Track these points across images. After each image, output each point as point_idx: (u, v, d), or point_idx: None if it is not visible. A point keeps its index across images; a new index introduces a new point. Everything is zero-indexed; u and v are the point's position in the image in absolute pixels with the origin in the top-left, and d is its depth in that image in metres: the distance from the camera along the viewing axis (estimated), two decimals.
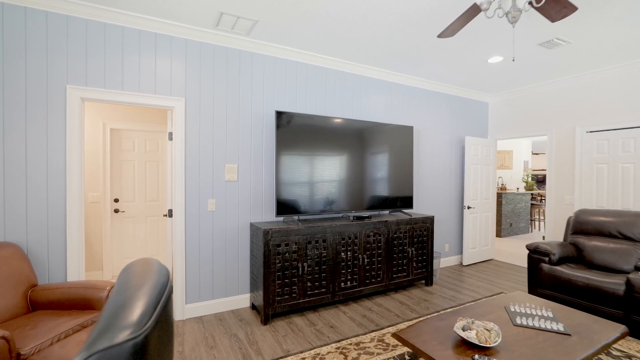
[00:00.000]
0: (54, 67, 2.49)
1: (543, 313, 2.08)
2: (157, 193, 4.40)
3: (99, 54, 2.63)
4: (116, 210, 4.11)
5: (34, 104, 2.44)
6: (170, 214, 3.02)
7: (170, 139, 3.03)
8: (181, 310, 2.95)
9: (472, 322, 1.77)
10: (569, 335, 1.82)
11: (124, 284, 0.58)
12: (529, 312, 2.10)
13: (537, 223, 8.46)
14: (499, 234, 6.97)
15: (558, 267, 3.02)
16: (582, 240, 3.31)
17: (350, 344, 2.50)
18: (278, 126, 3.12)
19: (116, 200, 4.13)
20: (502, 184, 7.54)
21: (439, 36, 2.26)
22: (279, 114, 3.12)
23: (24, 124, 2.42)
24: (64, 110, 2.53)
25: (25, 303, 2.21)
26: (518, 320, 1.98)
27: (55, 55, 2.50)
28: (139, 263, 0.70)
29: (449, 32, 2.21)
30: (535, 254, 3.21)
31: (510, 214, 7.08)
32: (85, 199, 3.90)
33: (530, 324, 1.93)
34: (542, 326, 1.90)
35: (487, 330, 1.71)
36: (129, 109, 4.15)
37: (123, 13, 2.64)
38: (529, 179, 7.63)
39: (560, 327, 1.89)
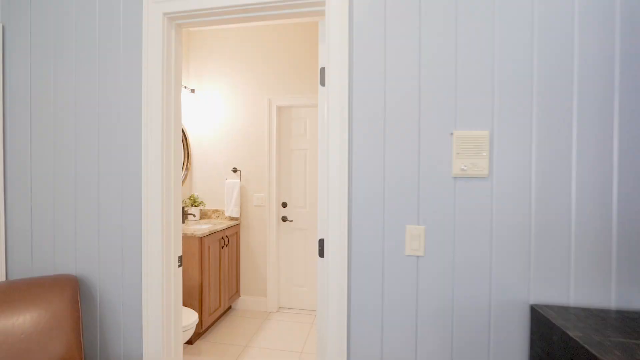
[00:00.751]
0: None
1: None
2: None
3: None
4: (284, 219, 3.01)
5: (106, 36, 1.40)
6: (321, 249, 1.35)
7: (322, 83, 1.36)
8: None
9: None
10: None
11: None
12: None
13: None
14: None
15: None
16: None
17: None
18: None
19: (284, 205, 3.03)
20: None
21: None
22: None
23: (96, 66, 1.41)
24: (140, 41, 1.36)
25: None
26: None
27: None
28: None
29: None
30: None
31: None
32: (249, 202, 3.00)
33: None
34: None
35: None
36: (297, 75, 2.94)
37: None
38: None
39: None
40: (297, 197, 3.02)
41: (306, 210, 3.01)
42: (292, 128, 3.02)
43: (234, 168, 2.98)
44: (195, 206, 2.90)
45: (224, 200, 3.02)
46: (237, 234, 2.94)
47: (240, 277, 3.02)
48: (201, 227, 2.79)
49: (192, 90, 2.87)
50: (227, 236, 2.72)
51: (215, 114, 3.01)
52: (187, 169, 2.94)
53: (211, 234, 2.45)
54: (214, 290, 2.52)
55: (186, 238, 2.33)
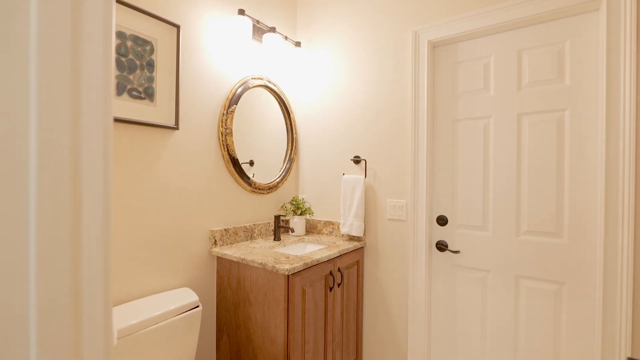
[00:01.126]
0: None
1: None
2: (557, 210, 1.41)
3: None
4: (441, 247, 1.65)
5: None
6: None
7: None
8: None
9: None
10: None
11: None
12: None
13: None
14: None
15: None
16: None
17: None
18: None
19: (441, 222, 1.67)
20: None
21: None
22: None
23: None
24: None
25: None
26: None
27: None
28: None
29: None
30: None
31: None
32: (380, 213, 1.80)
33: None
34: None
35: None
36: None
37: None
38: None
39: None
40: (467, 208, 1.61)
41: (489, 235, 1.56)
42: (459, 80, 1.63)
43: (356, 157, 1.86)
44: (300, 214, 1.94)
45: (339, 207, 1.95)
46: (357, 263, 1.79)
47: (364, 334, 1.85)
48: (301, 253, 1.81)
49: (298, 43, 1.94)
50: (339, 269, 1.61)
51: (328, 74, 1.98)
52: (290, 159, 2.03)
53: (307, 268, 1.40)
54: None
55: (265, 273, 1.36)
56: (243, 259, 1.42)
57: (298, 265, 1.32)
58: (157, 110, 1.33)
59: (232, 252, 1.51)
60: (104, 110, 0.41)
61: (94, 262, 0.41)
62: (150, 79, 1.31)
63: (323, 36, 2.02)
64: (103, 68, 0.41)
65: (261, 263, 1.35)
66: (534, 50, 1.45)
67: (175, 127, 1.39)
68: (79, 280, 0.39)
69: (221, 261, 1.57)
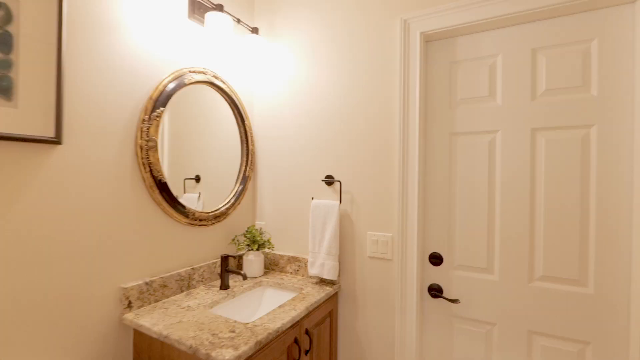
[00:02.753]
0: None
1: None
2: (581, 251, 1.10)
3: None
4: (435, 294, 1.30)
5: None
6: None
7: None
8: None
9: None
10: None
11: None
12: None
13: None
14: None
15: None
16: None
17: None
18: None
19: (435, 261, 1.33)
20: None
21: None
22: None
23: None
24: None
25: None
26: None
27: None
28: None
29: None
30: None
31: None
32: (358, 248, 1.42)
33: None
34: None
35: None
36: None
37: None
38: None
39: None
40: (468, 245, 1.28)
41: (494, 280, 1.24)
42: (457, 83, 1.30)
43: (328, 177, 1.47)
44: (257, 249, 1.51)
45: (306, 238, 1.54)
46: (330, 315, 1.40)
47: None
48: (255, 311, 1.38)
49: (254, 30, 1.51)
50: (307, 331, 1.21)
51: (295, 72, 1.58)
52: (245, 178, 1.59)
53: (261, 349, 0.97)
54: None
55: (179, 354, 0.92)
56: (166, 337, 0.96)
57: (246, 348, 0.89)
58: (18, 114, 0.84)
59: (153, 321, 1.04)
60: None
61: None
62: (5, 65, 0.81)
63: (289, 23, 1.61)
64: None
65: (191, 346, 0.90)
66: (553, 50, 1.15)
67: (56, 141, 0.91)
68: None
69: (139, 334, 1.09)
